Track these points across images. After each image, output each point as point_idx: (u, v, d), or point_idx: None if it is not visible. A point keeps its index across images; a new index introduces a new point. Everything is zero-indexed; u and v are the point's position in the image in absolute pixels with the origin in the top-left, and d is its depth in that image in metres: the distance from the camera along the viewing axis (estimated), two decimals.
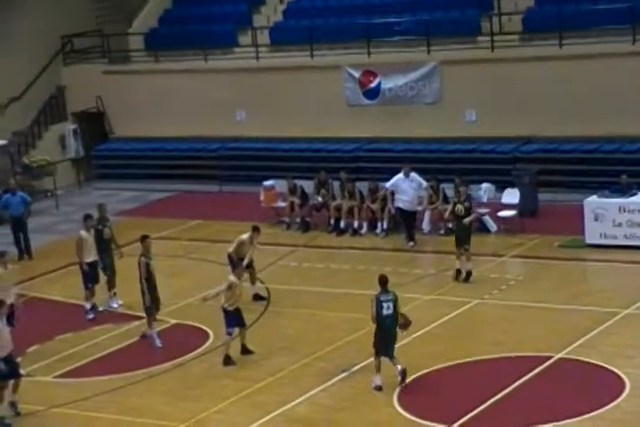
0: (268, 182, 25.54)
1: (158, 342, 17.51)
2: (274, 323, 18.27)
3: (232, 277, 16.67)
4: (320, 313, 18.60)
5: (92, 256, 19.24)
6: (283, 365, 16.37)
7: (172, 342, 17.70)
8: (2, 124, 29.96)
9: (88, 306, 19.21)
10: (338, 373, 15.84)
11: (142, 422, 14.84)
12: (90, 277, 19.25)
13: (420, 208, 22.71)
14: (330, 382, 15.58)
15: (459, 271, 19.60)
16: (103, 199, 28.28)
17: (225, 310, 16.62)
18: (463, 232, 19.69)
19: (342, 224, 23.73)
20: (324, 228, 23.97)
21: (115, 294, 19.62)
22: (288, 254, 22.27)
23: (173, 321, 18.64)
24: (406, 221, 22.39)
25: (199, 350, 17.17)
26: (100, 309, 19.38)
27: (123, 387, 16.11)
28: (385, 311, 15.13)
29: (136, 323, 18.76)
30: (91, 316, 19.10)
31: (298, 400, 15.10)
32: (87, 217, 19.49)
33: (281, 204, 24.74)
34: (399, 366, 15.12)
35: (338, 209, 23.88)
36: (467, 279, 19.51)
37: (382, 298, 15.21)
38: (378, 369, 15.22)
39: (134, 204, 27.86)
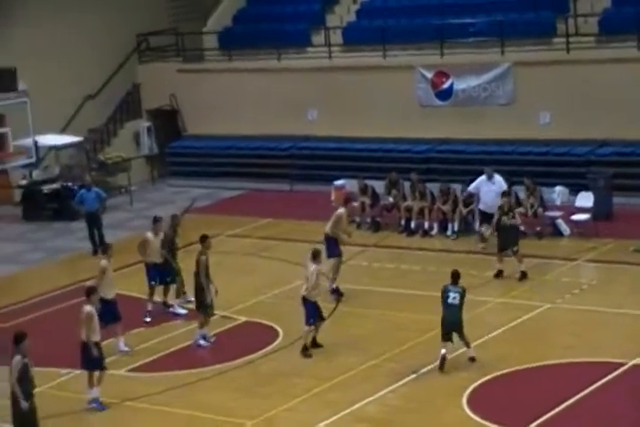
0: (339, 182, 25.55)
1: (203, 343, 17.49)
2: (344, 322, 18.25)
3: (313, 268, 16.53)
4: (390, 313, 18.55)
5: (157, 258, 19.22)
6: (352, 364, 16.35)
7: (241, 339, 17.78)
8: (78, 122, 30.39)
9: (149, 307, 19.14)
10: (407, 374, 15.77)
11: (211, 419, 14.92)
12: (153, 276, 19.21)
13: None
14: (399, 383, 15.53)
15: (500, 272, 19.79)
16: (175, 196, 28.66)
17: (307, 300, 16.60)
18: (508, 235, 19.65)
19: (413, 225, 23.66)
20: (395, 228, 23.90)
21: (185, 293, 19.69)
22: (358, 254, 22.24)
23: (243, 319, 18.71)
24: (486, 223, 22.08)
25: (269, 348, 17.21)
26: (171, 309, 19.32)
27: (193, 383, 16.22)
28: (450, 301, 15.83)
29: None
30: (147, 319, 19.09)
31: (367, 400, 15.07)
32: (156, 220, 19.50)
33: (352, 204, 24.67)
34: (443, 350, 15.63)
35: (408, 210, 23.80)
36: (521, 279, 19.50)
37: (450, 288, 15.93)
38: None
39: (206, 201, 28.03)
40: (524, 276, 19.60)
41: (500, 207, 20.01)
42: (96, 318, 15.42)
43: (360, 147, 27.84)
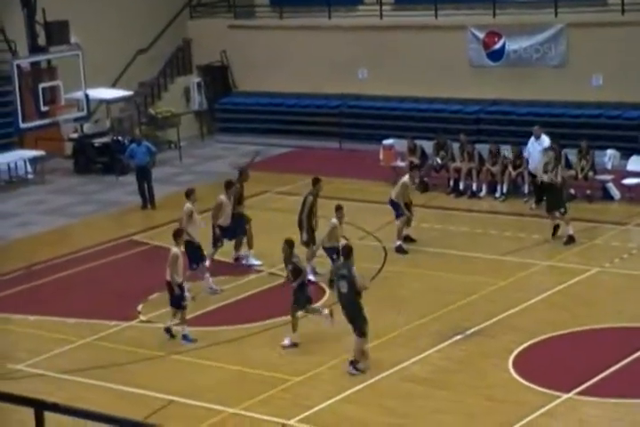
0: (387, 141, 25.31)
1: (312, 276, 17.64)
2: (389, 283, 18.12)
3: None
4: (437, 274, 18.37)
5: (227, 221, 19.14)
6: (397, 324, 16.23)
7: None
8: (129, 76, 30.31)
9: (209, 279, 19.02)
10: (452, 335, 15.63)
11: (257, 374, 14.89)
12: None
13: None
14: (445, 344, 15.40)
15: (557, 227, 19.47)
16: (224, 152, 28.55)
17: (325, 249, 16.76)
18: (551, 194, 19.40)
19: (461, 186, 23.40)
20: (443, 189, 23.65)
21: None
22: None
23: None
24: (534, 184, 21.79)
25: (317, 305, 17.06)
26: (244, 262, 19.26)
27: (241, 338, 16.18)
28: None
29: (255, 276, 18.82)
30: (214, 287, 18.94)
31: (412, 360, 14.96)
32: (229, 184, 19.27)
33: (400, 163, 24.47)
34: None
35: (457, 171, 23.53)
36: (568, 243, 19.20)
37: None
38: None
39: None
40: (570, 240, 19.31)
41: (545, 165, 19.63)
42: (181, 260, 15.84)
43: (409, 106, 27.54)
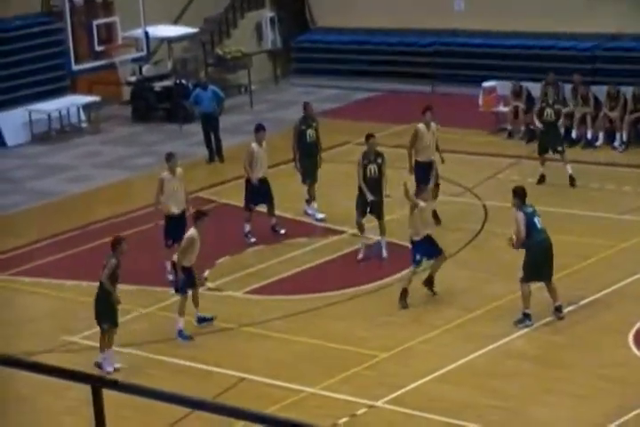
0: (488, 84, 25.05)
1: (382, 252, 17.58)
2: (490, 245, 17.95)
3: (419, 201, 16.11)
4: None
5: (262, 172, 19.06)
6: (499, 293, 16.09)
7: (373, 261, 17.66)
8: (193, 11, 30.26)
9: (247, 228, 18.97)
10: (565, 305, 15.43)
11: (340, 349, 14.89)
12: (255, 196, 19.02)
13: None
14: (554, 316, 15.21)
15: (543, 177, 20.20)
16: (301, 97, 28.44)
17: (411, 241, 16.24)
18: (552, 135, 20.19)
19: (574, 134, 23.06)
20: None
21: (314, 206, 19.62)
22: (509, 167, 21.81)
23: (375, 238, 18.47)
24: None
25: (405, 272, 16.96)
26: (282, 231, 19.18)
27: (318, 308, 16.20)
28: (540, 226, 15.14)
29: (335, 237, 18.79)
30: (252, 240, 18.92)
31: (517, 334, 14.85)
32: (259, 128, 19.28)
33: (503, 108, 24.19)
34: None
35: (569, 116, 23.19)
36: (572, 184, 19.90)
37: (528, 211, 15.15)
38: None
39: (335, 103, 27.78)
40: (572, 180, 19.97)
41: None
42: (197, 245, 15.55)
43: (514, 43, 27.21)
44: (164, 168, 18.15)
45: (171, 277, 16.69)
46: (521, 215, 15.12)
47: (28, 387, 14.05)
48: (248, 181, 19.03)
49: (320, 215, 19.59)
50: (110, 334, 14.72)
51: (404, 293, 15.97)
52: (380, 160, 17.88)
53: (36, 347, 15.33)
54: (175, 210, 17.47)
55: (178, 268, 15.62)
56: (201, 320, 15.83)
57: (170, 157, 17.83)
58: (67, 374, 4.84)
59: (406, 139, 24.17)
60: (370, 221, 17.95)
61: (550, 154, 20.61)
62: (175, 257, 15.78)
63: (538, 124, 21.12)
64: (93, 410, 4.60)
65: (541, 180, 20.39)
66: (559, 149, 20.53)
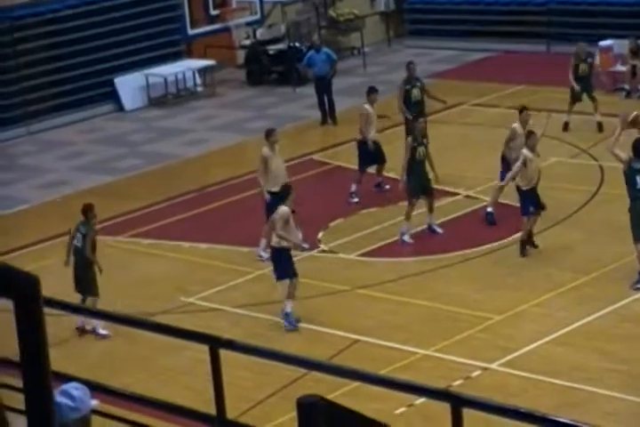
0: (605, 42, 24.61)
1: (407, 238, 17.20)
2: (607, 208, 17.66)
3: (525, 151, 16.16)
4: None
5: (374, 133, 19.08)
6: (616, 255, 15.88)
7: (486, 223, 17.56)
8: None
9: (354, 188, 18.94)
10: None
11: (454, 312, 14.88)
12: (370, 157, 19.03)
13: None
14: None
15: (567, 124, 20.90)
16: (415, 59, 28.19)
17: (519, 190, 16.21)
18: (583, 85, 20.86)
19: None
20: None
21: None
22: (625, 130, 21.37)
23: (487, 198, 18.35)
24: None
25: (517, 235, 16.84)
26: (387, 187, 19.13)
27: (432, 271, 16.20)
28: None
29: (449, 199, 18.72)
30: (355, 200, 18.95)
31: (633, 297, 14.66)
32: (371, 90, 19.30)
33: (620, 68, 23.74)
34: None
35: None
36: (600, 129, 20.41)
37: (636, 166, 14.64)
38: None
39: (449, 65, 27.57)
40: (600, 126, 20.41)
41: None
42: (292, 221, 14.93)
43: (631, 0, 26.58)
44: (278, 131, 18.15)
45: (263, 254, 16.64)
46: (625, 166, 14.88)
47: (147, 347, 14.34)
48: (362, 143, 19.04)
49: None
50: (94, 303, 14.68)
51: (524, 243, 16.06)
52: (426, 142, 17.52)
53: (154, 308, 15.62)
54: (277, 188, 16.93)
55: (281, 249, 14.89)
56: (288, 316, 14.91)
57: (270, 133, 17.35)
58: (186, 335, 4.95)
59: (522, 100, 23.98)
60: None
61: None
62: (275, 239, 14.97)
63: None
64: (211, 370, 4.69)
65: None
66: None
